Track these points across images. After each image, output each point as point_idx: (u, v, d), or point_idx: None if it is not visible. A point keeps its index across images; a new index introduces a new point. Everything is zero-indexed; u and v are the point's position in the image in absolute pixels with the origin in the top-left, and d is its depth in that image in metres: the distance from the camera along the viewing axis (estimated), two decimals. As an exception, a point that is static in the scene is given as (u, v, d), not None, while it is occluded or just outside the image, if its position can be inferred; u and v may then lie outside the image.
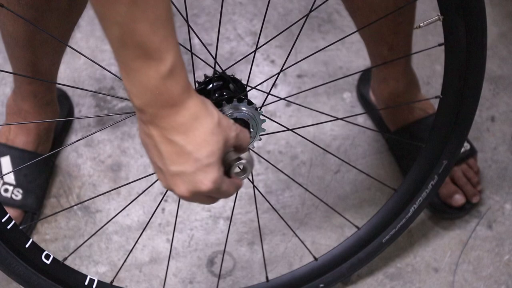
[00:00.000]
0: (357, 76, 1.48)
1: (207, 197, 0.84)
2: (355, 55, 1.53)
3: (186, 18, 0.93)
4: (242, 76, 1.02)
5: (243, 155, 0.87)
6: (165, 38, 0.72)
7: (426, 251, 1.32)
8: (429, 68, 1.51)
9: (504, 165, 1.41)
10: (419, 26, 0.98)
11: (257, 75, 1.50)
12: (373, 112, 1.43)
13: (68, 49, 1.28)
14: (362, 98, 1.46)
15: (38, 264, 1.02)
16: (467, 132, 1.11)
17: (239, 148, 0.86)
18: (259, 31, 1.57)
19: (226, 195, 0.85)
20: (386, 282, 1.29)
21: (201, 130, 0.78)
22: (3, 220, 0.98)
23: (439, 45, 1.02)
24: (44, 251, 1.02)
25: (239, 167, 0.88)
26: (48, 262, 1.02)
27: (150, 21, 0.71)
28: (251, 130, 0.98)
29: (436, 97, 1.08)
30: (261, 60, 1.52)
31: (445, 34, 1.00)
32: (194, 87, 0.98)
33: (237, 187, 0.87)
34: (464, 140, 1.12)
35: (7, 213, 0.98)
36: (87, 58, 0.99)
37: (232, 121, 0.83)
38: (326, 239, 1.33)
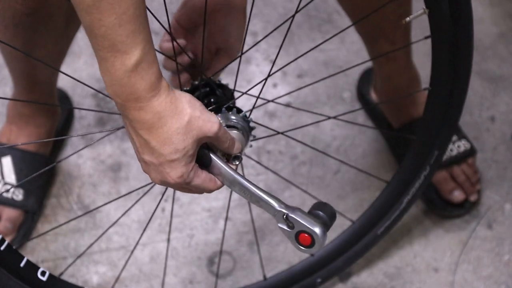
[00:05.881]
0: (357, 76, 1.48)
1: (183, 188, 0.87)
2: (356, 55, 1.53)
3: (168, 30, 0.93)
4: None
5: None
6: (132, 32, 0.75)
7: (426, 251, 1.32)
8: (428, 68, 1.50)
9: (504, 165, 1.41)
10: (405, 21, 0.97)
11: (257, 75, 1.50)
12: (374, 111, 1.43)
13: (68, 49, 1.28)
14: (362, 98, 1.46)
15: (34, 282, 1.00)
16: (457, 122, 1.11)
17: (225, 150, 0.89)
18: (259, 31, 1.57)
19: (201, 190, 0.89)
20: (386, 282, 1.29)
21: (164, 128, 0.80)
22: None
23: (426, 38, 1.01)
24: (39, 268, 1.01)
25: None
26: (44, 279, 1.01)
27: (116, 14, 0.73)
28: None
29: (424, 89, 1.08)
30: (261, 60, 1.52)
31: (431, 27, 0.99)
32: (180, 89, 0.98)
33: (216, 185, 0.89)
34: (454, 130, 1.12)
35: None
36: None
37: (216, 120, 0.84)
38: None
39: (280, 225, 0.88)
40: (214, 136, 0.85)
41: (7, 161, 1.31)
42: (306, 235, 0.87)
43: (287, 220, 0.87)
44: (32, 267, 1.01)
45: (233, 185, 0.89)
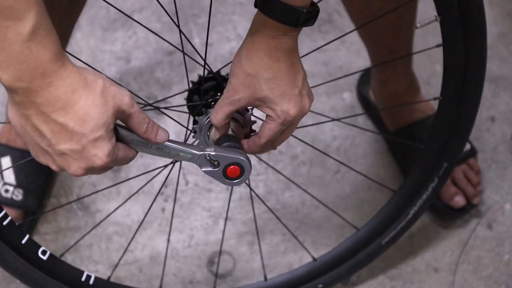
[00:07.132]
0: (357, 76, 1.48)
1: (103, 168, 0.80)
2: (356, 55, 1.53)
3: (177, 23, 0.93)
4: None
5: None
6: None
7: (426, 251, 1.32)
8: (429, 68, 1.51)
9: (504, 165, 1.41)
10: (416, 27, 0.97)
11: (257, 75, 1.50)
12: (373, 113, 1.43)
13: (67, 49, 1.28)
14: (362, 98, 1.46)
15: (35, 259, 1.02)
16: (468, 134, 1.09)
17: (144, 136, 0.82)
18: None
19: (125, 162, 0.82)
20: (386, 282, 1.29)
21: (80, 103, 0.72)
22: None
23: (437, 46, 1.01)
24: (41, 247, 1.02)
25: None
26: (44, 258, 1.02)
27: None
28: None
29: (435, 99, 1.07)
30: (261, 60, 1.52)
31: (443, 34, 0.98)
32: (188, 86, 0.98)
33: (133, 152, 0.83)
34: (465, 142, 1.10)
35: (2, 209, 0.98)
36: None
37: (127, 92, 0.77)
38: (326, 239, 1.33)
39: (204, 169, 0.87)
40: (127, 109, 0.77)
41: (7, 161, 1.31)
42: (233, 166, 0.87)
43: (211, 160, 0.87)
44: (34, 245, 1.02)
45: (148, 147, 0.84)
